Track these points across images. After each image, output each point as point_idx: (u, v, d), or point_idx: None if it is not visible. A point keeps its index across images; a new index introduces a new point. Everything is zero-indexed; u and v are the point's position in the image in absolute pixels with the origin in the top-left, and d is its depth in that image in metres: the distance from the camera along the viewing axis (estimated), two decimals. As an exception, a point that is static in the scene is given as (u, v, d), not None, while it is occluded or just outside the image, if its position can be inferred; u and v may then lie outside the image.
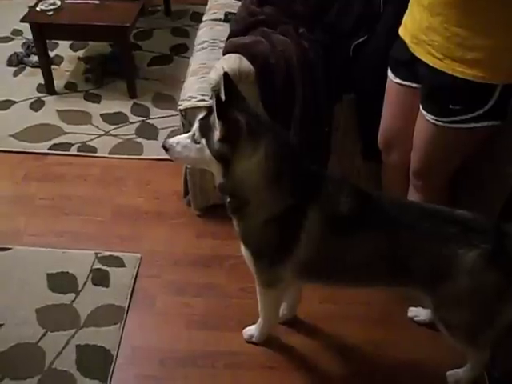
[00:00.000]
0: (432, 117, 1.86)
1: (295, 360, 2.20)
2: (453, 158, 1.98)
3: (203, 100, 2.38)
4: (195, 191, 2.67)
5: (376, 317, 2.37)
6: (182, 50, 3.77)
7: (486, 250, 1.65)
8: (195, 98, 2.41)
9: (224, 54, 2.41)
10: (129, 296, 2.37)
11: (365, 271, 1.84)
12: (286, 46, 2.32)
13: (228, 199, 1.81)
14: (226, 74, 1.70)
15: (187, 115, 2.40)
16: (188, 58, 3.45)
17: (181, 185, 2.76)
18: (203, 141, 1.71)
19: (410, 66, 1.89)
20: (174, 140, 1.83)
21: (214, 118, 1.64)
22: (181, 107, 2.41)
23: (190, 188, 2.67)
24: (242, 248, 1.94)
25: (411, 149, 2.06)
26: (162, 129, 3.20)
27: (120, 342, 2.21)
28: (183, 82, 2.67)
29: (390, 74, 2.03)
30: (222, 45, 2.60)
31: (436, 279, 1.74)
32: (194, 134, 1.75)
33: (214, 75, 2.32)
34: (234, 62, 2.32)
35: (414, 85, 1.93)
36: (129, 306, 2.34)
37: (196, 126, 1.76)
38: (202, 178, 2.61)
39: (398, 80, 1.99)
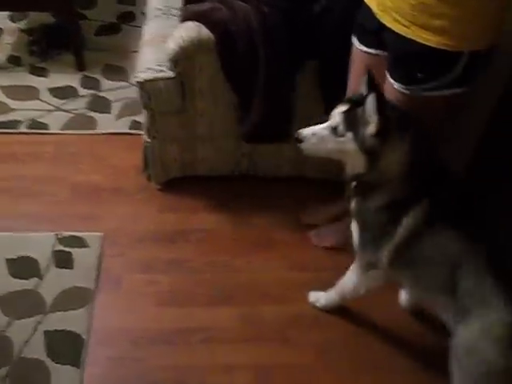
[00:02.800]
0: (399, 85, 1.84)
1: (266, 332, 2.21)
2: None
3: (162, 71, 2.30)
4: (156, 165, 2.60)
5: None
6: (130, 18, 3.62)
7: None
8: (152, 69, 2.31)
9: (181, 22, 2.31)
10: (94, 277, 2.30)
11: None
12: (246, 12, 2.24)
13: (355, 184, 1.85)
14: (369, 71, 1.74)
15: (145, 87, 2.31)
16: (137, 26, 3.37)
17: (139, 159, 2.68)
18: (349, 134, 1.72)
19: (377, 34, 1.85)
20: (308, 131, 1.83)
21: (363, 112, 1.66)
22: (138, 79, 2.32)
23: (150, 162, 2.60)
24: (353, 226, 1.97)
25: None
26: (116, 101, 3.08)
27: (89, 325, 2.16)
28: (134, 52, 2.57)
29: (355, 41, 1.99)
30: (177, 12, 2.50)
31: None
32: (335, 127, 1.75)
33: (173, 45, 2.23)
34: (192, 31, 2.23)
35: (380, 52, 1.91)
36: (95, 287, 2.28)
37: (340, 118, 1.75)
38: (163, 151, 2.55)
39: (364, 48, 1.96)
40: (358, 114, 1.71)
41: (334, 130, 1.77)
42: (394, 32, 1.76)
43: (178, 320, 2.20)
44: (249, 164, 2.67)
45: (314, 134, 1.81)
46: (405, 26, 1.72)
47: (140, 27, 2.82)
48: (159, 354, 2.11)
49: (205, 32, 2.24)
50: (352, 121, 1.72)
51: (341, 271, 2.38)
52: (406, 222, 1.77)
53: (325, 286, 2.34)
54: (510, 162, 2.21)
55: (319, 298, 2.29)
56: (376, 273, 2.00)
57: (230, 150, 2.61)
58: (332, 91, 2.36)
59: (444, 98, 1.80)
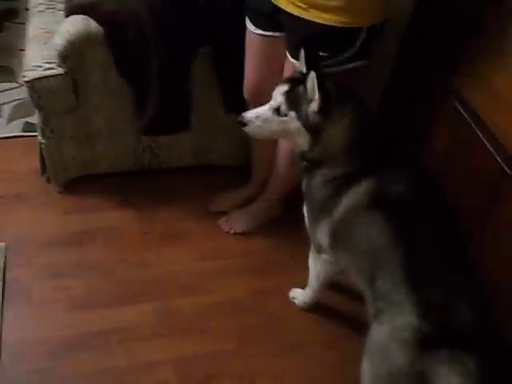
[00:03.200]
0: None
1: (184, 324, 2.18)
2: None
3: (51, 68, 2.20)
4: (54, 166, 2.51)
5: (259, 266, 2.41)
6: (13, 15, 3.45)
7: None
8: (41, 66, 2.21)
9: (67, 16, 2.23)
10: (0, 289, 2.18)
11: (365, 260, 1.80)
12: (134, 2, 2.18)
13: (305, 163, 1.85)
14: (304, 48, 1.73)
15: (35, 86, 2.21)
16: (21, 23, 3.22)
17: (36, 162, 2.56)
18: (292, 113, 1.72)
19: (273, 17, 1.87)
20: (251, 114, 1.81)
21: (305, 90, 1.67)
22: (26, 78, 2.21)
23: (48, 164, 2.50)
24: (304, 208, 1.97)
25: None
26: (4, 104, 2.93)
27: (1, 340, 2.05)
28: (21, 50, 2.46)
29: (249, 25, 2.00)
30: (61, 6, 2.41)
31: None
32: (277, 107, 1.75)
33: (60, 40, 2.15)
34: (80, 24, 2.15)
35: (277, 34, 1.92)
36: (3, 300, 2.16)
37: (281, 99, 1.74)
38: (59, 151, 2.46)
39: (259, 31, 1.97)
40: (299, 93, 1.71)
41: (277, 110, 1.77)
42: (291, 15, 1.78)
43: (94, 323, 2.13)
44: (150, 157, 2.62)
45: (258, 117, 1.81)
46: (302, 8, 1.75)
47: (24, 24, 2.71)
48: (78, 360, 2.03)
49: (93, 25, 2.17)
50: (294, 100, 1.73)
51: (254, 255, 2.42)
52: (344, 201, 1.78)
53: (239, 272, 2.36)
54: (403, 131, 2.27)
55: (298, 294, 2.29)
56: (327, 256, 2.01)
57: (130, 145, 2.55)
58: (227, 78, 2.36)
59: (346, 72, 1.85)
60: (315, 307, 2.25)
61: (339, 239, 1.87)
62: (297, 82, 1.75)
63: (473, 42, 1.89)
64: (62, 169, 2.53)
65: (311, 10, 1.73)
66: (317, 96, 1.66)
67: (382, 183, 1.74)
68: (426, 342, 1.50)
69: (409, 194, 1.72)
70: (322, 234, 1.91)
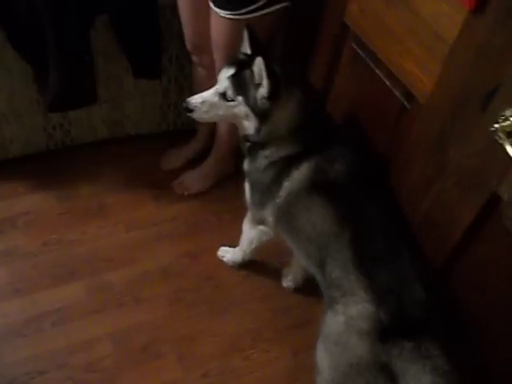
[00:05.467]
0: (226, 12, 1.86)
1: (116, 297, 2.19)
2: None
3: None
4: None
5: (184, 230, 2.43)
6: None
7: None
8: None
9: None
10: None
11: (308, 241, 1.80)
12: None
13: (248, 145, 1.84)
14: (248, 26, 1.72)
15: None
16: None
17: None
18: (240, 98, 1.71)
19: None
20: (197, 100, 1.77)
21: (252, 75, 1.66)
22: None
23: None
24: (245, 185, 1.97)
25: None
26: None
27: None
28: None
29: None
30: None
31: None
32: (223, 92, 1.74)
33: None
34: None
35: None
36: None
37: (227, 83, 1.71)
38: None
39: None
40: (246, 77, 1.69)
41: (223, 95, 1.74)
42: None
43: (25, 310, 2.11)
44: (62, 135, 2.57)
45: (204, 102, 1.78)
46: None
47: None
48: (13, 349, 2.01)
49: (-23, 4, 2.07)
50: (241, 84, 1.70)
51: (179, 220, 2.44)
52: (285, 185, 1.78)
53: (165, 239, 2.37)
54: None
55: (226, 253, 2.31)
56: (265, 228, 2.02)
57: (39, 125, 2.49)
58: (130, 43, 2.32)
59: (271, 15, 1.86)
60: (244, 264, 2.30)
61: (284, 223, 1.87)
62: (242, 64, 1.72)
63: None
64: (-28, 156, 2.45)
65: None
66: (265, 82, 1.64)
67: (322, 164, 1.73)
68: (386, 332, 1.47)
69: (349, 172, 1.72)
70: (267, 215, 1.91)
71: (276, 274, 2.30)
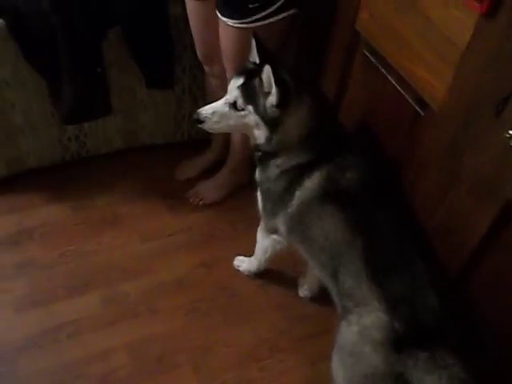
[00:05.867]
0: (233, 21, 1.87)
1: (132, 307, 2.18)
2: None
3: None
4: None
5: (199, 240, 2.43)
6: None
7: None
8: None
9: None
10: None
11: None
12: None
13: (260, 154, 1.83)
14: (255, 35, 1.70)
15: None
16: None
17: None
18: (250, 107, 1.70)
19: None
20: (207, 111, 1.77)
21: (261, 83, 1.65)
22: None
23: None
24: (258, 195, 1.96)
25: None
26: None
27: None
28: None
29: None
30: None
31: None
32: (234, 102, 1.73)
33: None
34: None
35: None
36: None
37: (237, 93, 1.71)
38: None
39: None
40: (255, 86, 1.68)
41: (234, 105, 1.74)
42: None
43: (42, 321, 2.11)
44: (78, 146, 2.59)
45: (214, 113, 1.78)
46: None
47: None
48: (29, 361, 2.01)
49: (-8, 19, 2.09)
50: (250, 93, 1.69)
51: (193, 230, 2.44)
52: (298, 195, 1.76)
53: (180, 249, 2.37)
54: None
55: (242, 262, 2.31)
56: (278, 237, 2.01)
57: (55, 137, 2.51)
58: (143, 54, 2.33)
59: (279, 23, 1.86)
60: (259, 273, 2.29)
61: (296, 233, 1.85)
62: (251, 73, 1.71)
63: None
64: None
65: None
66: (274, 90, 1.62)
67: (333, 172, 1.72)
68: (400, 342, 1.45)
69: (361, 180, 1.71)
70: (280, 224, 1.90)
71: (292, 284, 2.29)
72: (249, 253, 2.26)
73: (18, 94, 2.29)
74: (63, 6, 2.11)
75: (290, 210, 1.80)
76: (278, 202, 1.84)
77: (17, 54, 2.17)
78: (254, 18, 1.83)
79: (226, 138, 2.46)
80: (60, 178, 2.59)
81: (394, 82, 1.80)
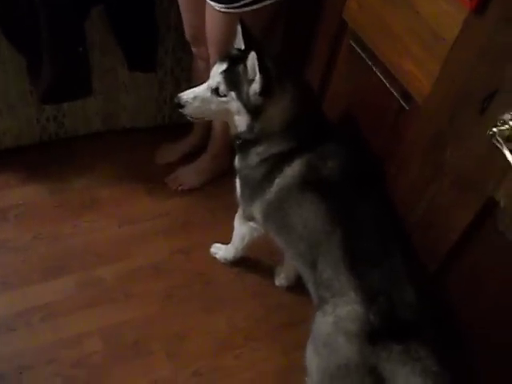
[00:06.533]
0: (221, 5, 1.83)
1: (107, 292, 2.16)
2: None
3: None
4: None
5: (177, 226, 2.41)
6: None
7: None
8: None
9: None
10: None
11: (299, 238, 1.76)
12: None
13: (240, 142, 1.80)
14: (241, 20, 1.67)
15: None
16: None
17: None
18: (232, 94, 1.67)
19: None
20: (189, 95, 1.73)
21: (245, 70, 1.62)
22: None
23: None
24: (236, 181, 1.94)
25: None
26: None
27: None
28: None
29: None
30: None
31: None
32: (216, 88, 1.70)
33: None
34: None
35: None
36: None
37: (219, 78, 1.68)
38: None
39: None
40: (239, 72, 1.66)
41: (216, 90, 1.71)
42: None
43: (14, 304, 2.08)
44: (56, 127, 2.54)
45: (196, 98, 1.75)
46: None
47: None
48: (1, 343, 1.97)
49: (-30, -7, 2.03)
50: (233, 80, 1.67)
51: (172, 215, 2.42)
52: (277, 182, 1.75)
53: (158, 234, 2.35)
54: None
55: (219, 249, 2.29)
56: (255, 224, 1.99)
57: (32, 116, 2.45)
58: (126, 36, 2.29)
59: (266, 8, 1.83)
60: (236, 261, 2.28)
61: (274, 220, 1.85)
62: (235, 59, 1.69)
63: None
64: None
65: None
66: (258, 77, 1.60)
67: (314, 160, 1.70)
68: (375, 334, 1.45)
69: (343, 170, 1.69)
70: (256, 212, 1.89)
71: (269, 272, 2.28)
72: (227, 240, 2.25)
73: (-5, 71, 2.24)
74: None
75: (268, 197, 1.79)
76: (256, 188, 1.83)
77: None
78: (241, 2, 1.80)
79: (208, 123, 2.43)
80: (37, 158, 2.53)
81: (379, 74, 1.79)
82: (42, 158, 2.54)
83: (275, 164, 1.75)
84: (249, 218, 1.99)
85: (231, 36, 1.79)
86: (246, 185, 1.90)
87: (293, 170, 1.72)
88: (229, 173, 2.36)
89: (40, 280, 2.16)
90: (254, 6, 1.83)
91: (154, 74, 2.50)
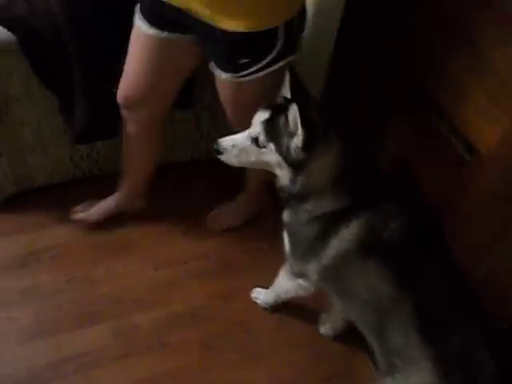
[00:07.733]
0: (228, 74, 1.72)
1: (145, 340, 2.07)
2: (264, 99, 1.77)
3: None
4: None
5: (216, 269, 2.32)
6: None
7: None
8: None
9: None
10: None
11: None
12: (47, 3, 1.99)
13: (284, 194, 1.68)
14: (291, 70, 1.56)
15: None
16: None
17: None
18: (271, 145, 1.57)
19: (176, 18, 1.66)
20: (227, 142, 1.64)
21: (286, 122, 1.52)
22: None
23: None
24: (284, 235, 1.84)
25: (169, 101, 1.98)
26: None
27: None
28: None
29: (141, 24, 1.76)
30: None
31: None
32: (256, 137, 1.59)
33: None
34: (-12, 34, 1.96)
35: (180, 36, 1.74)
36: None
37: (260, 128, 1.58)
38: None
39: (153, 31, 1.74)
40: (279, 124, 1.55)
41: (256, 140, 1.60)
42: (199, 21, 1.60)
43: (48, 353, 2.00)
44: (89, 164, 2.47)
45: (235, 146, 1.65)
46: (210, 15, 1.57)
47: None
48: (34, 395, 1.91)
49: (3, 32, 1.96)
50: (274, 130, 1.56)
51: (209, 258, 2.35)
52: (334, 245, 1.64)
53: (195, 278, 2.26)
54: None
55: (260, 294, 2.20)
56: (305, 283, 1.89)
57: (66, 154, 2.39)
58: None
59: (276, 72, 1.70)
60: (277, 306, 2.18)
61: (331, 283, 1.75)
62: (279, 109, 1.58)
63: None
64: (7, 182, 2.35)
65: (218, 17, 1.55)
66: (300, 131, 1.48)
67: (374, 221, 1.59)
68: None
69: (404, 231, 1.58)
70: (311, 272, 1.78)
71: (313, 319, 2.17)
72: (266, 284, 2.15)
73: (28, 111, 2.17)
74: (78, 20, 1.97)
75: (324, 261, 1.68)
76: (309, 248, 1.72)
77: (28, 70, 2.05)
78: (246, 71, 1.68)
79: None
80: (70, 197, 2.44)
81: (438, 121, 1.66)
82: (75, 196, 2.45)
83: (330, 224, 1.63)
84: (299, 275, 1.88)
85: (246, 100, 1.78)
86: (296, 242, 1.79)
87: (350, 233, 1.60)
88: (263, 213, 2.28)
89: (74, 328, 2.08)
90: (262, 72, 1.71)
91: (190, 110, 2.42)
